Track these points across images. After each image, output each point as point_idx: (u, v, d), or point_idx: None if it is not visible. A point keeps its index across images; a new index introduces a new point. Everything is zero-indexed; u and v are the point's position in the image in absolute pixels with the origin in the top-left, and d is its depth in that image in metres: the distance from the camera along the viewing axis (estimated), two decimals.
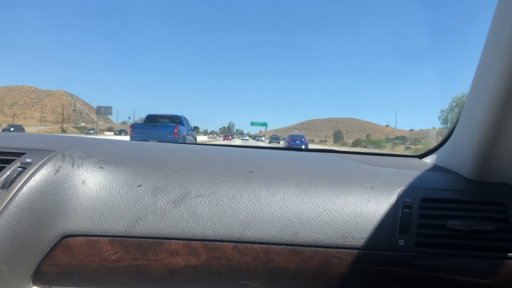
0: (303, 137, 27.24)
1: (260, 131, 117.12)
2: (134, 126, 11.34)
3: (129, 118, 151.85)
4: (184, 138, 10.96)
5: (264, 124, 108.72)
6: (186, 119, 12.42)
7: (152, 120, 12.00)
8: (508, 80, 0.63)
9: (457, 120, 0.89)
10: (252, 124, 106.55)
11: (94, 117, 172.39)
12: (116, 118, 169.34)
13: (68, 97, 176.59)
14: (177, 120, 11.81)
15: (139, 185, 0.73)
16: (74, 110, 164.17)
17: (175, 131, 10.55)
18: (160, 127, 10.89)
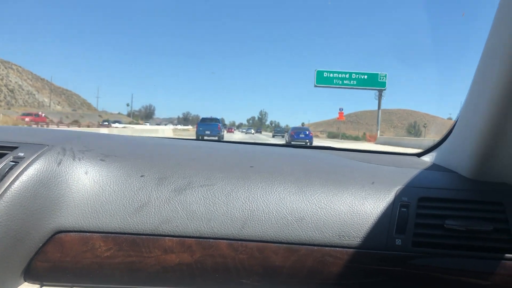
0: (307, 129, 26.27)
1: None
2: (199, 124, 23.93)
3: (128, 105, 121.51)
4: (221, 130, 23.52)
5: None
6: (222, 120, 27.41)
7: (205, 120, 24.43)
8: (508, 79, 0.62)
9: (457, 118, 0.88)
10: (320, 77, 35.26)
11: (46, 98, 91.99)
12: (96, 102, 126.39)
13: None
14: (218, 120, 24.31)
15: (142, 175, 0.73)
16: None
17: (219, 126, 22.88)
18: (211, 124, 23.09)
